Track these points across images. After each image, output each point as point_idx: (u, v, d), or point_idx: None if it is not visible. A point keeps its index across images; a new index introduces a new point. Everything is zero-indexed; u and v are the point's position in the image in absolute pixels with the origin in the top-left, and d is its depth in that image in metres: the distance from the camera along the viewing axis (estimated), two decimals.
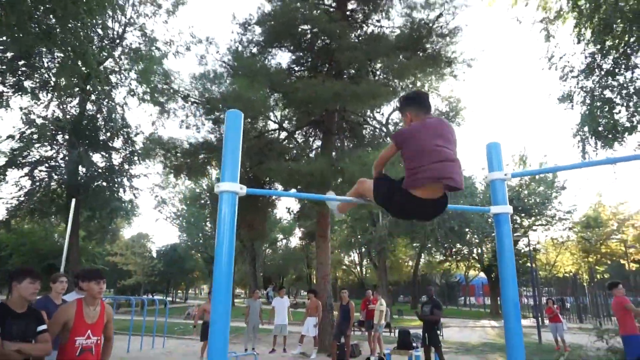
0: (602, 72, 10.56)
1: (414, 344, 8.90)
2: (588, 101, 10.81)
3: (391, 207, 2.56)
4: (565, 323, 13.44)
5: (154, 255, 43.62)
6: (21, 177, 17.84)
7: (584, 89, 10.94)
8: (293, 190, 11.09)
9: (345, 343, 9.79)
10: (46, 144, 17.65)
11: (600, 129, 11.07)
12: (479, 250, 29.95)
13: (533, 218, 29.46)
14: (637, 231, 33.40)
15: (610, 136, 11.14)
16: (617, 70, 10.31)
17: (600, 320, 20.58)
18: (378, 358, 8.61)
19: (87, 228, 23.71)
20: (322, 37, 12.16)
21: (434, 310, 8.02)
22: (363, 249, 36.21)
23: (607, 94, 10.63)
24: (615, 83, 10.49)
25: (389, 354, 8.69)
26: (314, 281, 12.45)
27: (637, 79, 10.24)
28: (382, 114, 16.50)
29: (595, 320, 20.64)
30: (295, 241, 44.66)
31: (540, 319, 16.00)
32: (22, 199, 18.23)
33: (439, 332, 8.85)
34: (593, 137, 11.49)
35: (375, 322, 10.15)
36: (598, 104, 10.52)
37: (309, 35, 12.37)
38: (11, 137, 17.10)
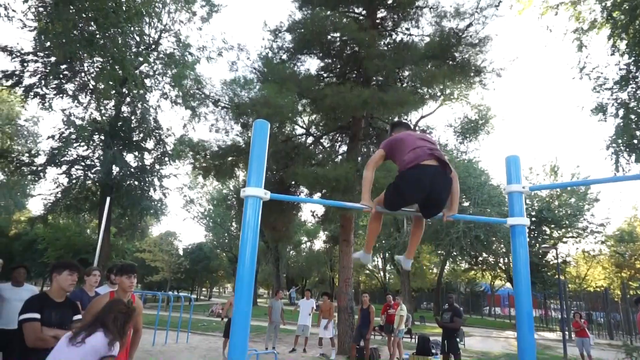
0: (638, 84, 10.33)
1: (433, 351, 8.91)
2: (622, 113, 10.58)
3: (395, 198, 2.77)
4: (592, 338, 13.10)
5: (181, 253, 44.60)
6: (59, 174, 18.71)
7: (618, 101, 10.71)
8: (317, 196, 11.25)
9: (365, 346, 9.88)
10: (83, 144, 18.42)
11: (635, 141, 10.82)
12: (506, 260, 29.38)
13: (563, 230, 28.71)
14: None
15: None
16: None
17: (631, 338, 19.86)
18: None
19: (118, 225, 24.53)
20: (351, 45, 12.31)
21: (454, 318, 8.02)
22: (387, 255, 36.03)
23: None
24: None
25: (408, 359, 8.73)
26: (337, 284, 12.56)
27: None
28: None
29: (626, 338, 19.93)
30: (319, 244, 44.85)
31: (567, 332, 15.63)
32: (59, 195, 19.08)
33: (459, 340, 8.82)
34: (627, 150, 11.22)
35: (395, 327, 10.19)
36: (633, 116, 10.28)
37: (338, 43, 12.54)
38: (51, 137, 17.97)
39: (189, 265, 41.60)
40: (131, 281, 3.68)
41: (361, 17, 12.71)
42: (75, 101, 17.40)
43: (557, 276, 18.14)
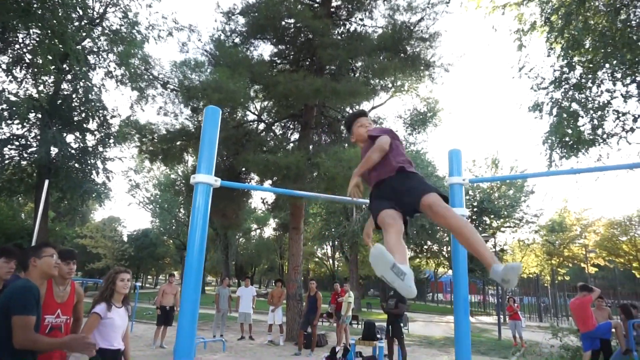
0: (569, 86, 11.04)
1: (378, 336, 9.22)
2: (556, 112, 11.27)
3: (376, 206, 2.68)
4: (524, 321, 14.05)
5: (125, 239, 43.06)
6: None
7: (553, 100, 11.40)
8: (267, 184, 11.22)
9: (312, 332, 10.06)
10: (17, 121, 17.22)
11: (566, 139, 11.58)
12: (449, 248, 30.74)
13: (502, 220, 30.39)
14: (598, 237, 34.85)
15: (575, 146, 11.68)
16: (582, 84, 10.80)
17: (557, 320, 21.48)
18: (344, 348, 8.89)
19: (56, 209, 23.26)
20: (306, 32, 12.27)
21: (398, 304, 8.34)
22: (336, 243, 36.60)
23: (574, 106, 11.12)
24: (580, 97, 11.00)
25: (354, 344, 8.99)
26: (286, 272, 12.66)
27: (601, 93, 10.75)
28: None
29: (554, 320, 21.53)
30: (269, 232, 44.78)
31: (502, 316, 16.67)
32: None
33: (403, 325, 9.19)
34: (560, 146, 12.01)
35: (342, 314, 10.44)
36: (565, 115, 10.99)
37: (292, 29, 12.47)
38: None
39: (134, 252, 40.26)
40: (70, 267, 3.54)
41: (316, 5, 12.69)
42: (10, 76, 16.19)
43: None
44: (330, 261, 44.54)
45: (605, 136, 11.43)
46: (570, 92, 11.32)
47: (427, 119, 27.10)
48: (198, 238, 2.43)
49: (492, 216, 29.91)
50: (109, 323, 3.55)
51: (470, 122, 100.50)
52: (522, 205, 30.44)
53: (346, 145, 12.67)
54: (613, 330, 7.70)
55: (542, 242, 36.14)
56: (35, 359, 2.63)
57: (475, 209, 29.83)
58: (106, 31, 18.09)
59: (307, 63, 12.85)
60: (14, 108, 15.70)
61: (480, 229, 29.66)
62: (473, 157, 35.23)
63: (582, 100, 11.01)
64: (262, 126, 13.89)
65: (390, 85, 13.87)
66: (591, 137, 11.56)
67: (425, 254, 32.34)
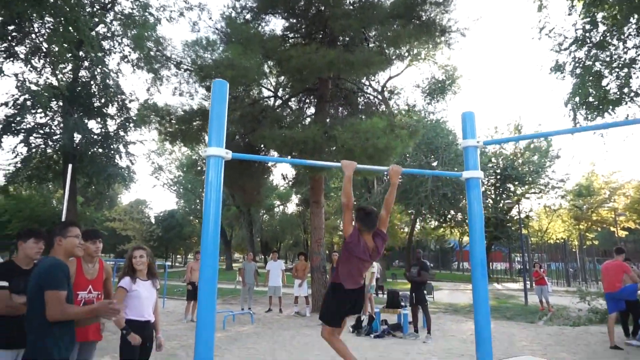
0: (592, 44, 10.60)
1: (402, 304, 9.32)
2: (579, 72, 10.87)
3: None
4: (550, 286, 13.94)
5: (152, 221, 44.16)
6: (17, 144, 17.96)
7: (575, 60, 10.98)
8: (278, 156, 11.24)
9: None
10: (40, 110, 17.64)
11: (590, 99, 11.19)
12: None
13: (526, 186, 29.86)
14: (627, 199, 33.93)
15: (600, 107, 11.28)
16: (606, 42, 10.35)
17: (586, 285, 21.24)
18: (369, 316, 9.02)
19: (84, 194, 23.95)
20: (316, 4, 12.04)
21: (421, 272, 8.37)
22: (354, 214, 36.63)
23: (598, 65, 10.70)
24: (604, 55, 10.56)
25: (379, 312, 9.12)
26: (310, 246, 12.84)
27: (627, 50, 10.29)
28: (378, 82, 16.49)
29: (582, 284, 21.31)
30: (292, 207, 45.20)
31: (529, 282, 16.58)
32: (19, 165, 18.40)
33: (427, 293, 9.24)
34: (584, 107, 11.62)
35: (367, 283, 10.55)
36: (588, 75, 10.59)
37: (302, 2, 12.23)
38: (4, 104, 17.11)
39: (162, 233, 41.32)
40: (96, 246, 3.69)
41: None
42: (29, 65, 16.50)
43: (521, 230, 19.00)
44: None
45: (632, 94, 10.99)
46: (594, 51, 10.88)
47: (446, 87, 26.55)
48: (213, 211, 2.46)
49: (516, 183, 29.41)
50: (135, 295, 3.71)
51: (490, 88, 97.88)
52: (547, 170, 29.81)
53: (363, 117, 12.56)
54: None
55: (569, 207, 35.44)
56: (73, 333, 2.76)
57: (498, 177, 29.36)
58: (119, 15, 18.14)
59: (320, 35, 12.63)
60: (36, 97, 16.06)
61: (504, 196, 29.27)
62: (495, 124, 34.41)
63: (606, 59, 10.56)
64: (277, 102, 13.84)
65: (405, 53, 13.55)
66: (617, 96, 11.14)
67: (449, 223, 32.17)
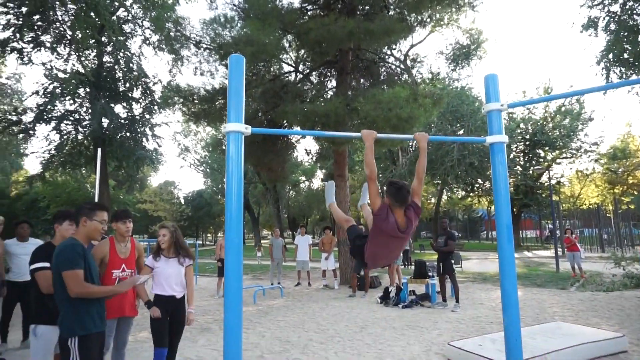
0: None
1: (430, 273, 9.33)
2: (613, 27, 10.32)
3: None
4: (582, 252, 13.67)
5: (182, 201, 45.21)
6: (49, 131, 18.55)
7: (610, 15, 10.41)
8: (298, 129, 11.21)
9: (365, 274, 10.34)
10: (69, 97, 18.08)
11: (625, 56, 10.66)
12: None
13: (557, 151, 28.97)
14: None
15: (636, 63, 10.74)
16: None
17: (622, 250, 20.70)
18: (396, 287, 9.09)
19: (116, 178, 24.63)
20: None
21: (448, 241, 8.33)
22: (384, 188, 36.57)
23: (635, 19, 10.13)
24: None
25: (406, 282, 9.18)
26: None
27: None
28: (400, 51, 16.10)
29: (617, 250, 20.77)
30: (317, 182, 45.39)
31: (560, 249, 16.30)
32: (52, 152, 19.03)
33: (454, 262, 9.20)
34: (618, 65, 11.08)
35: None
36: (623, 30, 10.05)
37: None
38: (36, 92, 17.60)
39: (191, 213, 42.30)
40: (127, 226, 3.82)
41: None
42: (55, 53, 16.84)
43: (551, 197, 18.54)
44: None
45: None
46: (630, 4, 10.28)
47: (471, 52, 25.75)
48: (235, 186, 2.48)
49: (546, 148, 28.55)
50: (160, 272, 3.87)
51: (518, 51, 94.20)
52: (579, 134, 28.78)
53: (384, 87, 12.35)
54: None
55: (603, 171, 34.29)
56: (101, 308, 2.90)
57: (527, 142, 28.56)
58: None
59: (339, 5, 12.34)
60: (64, 85, 16.43)
61: (534, 162, 28.51)
62: (524, 88, 33.26)
63: None
64: (298, 77, 13.74)
65: (427, 19, 13.11)
66: None
67: (476, 192, 31.70)
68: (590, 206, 32.42)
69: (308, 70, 13.91)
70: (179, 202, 44.28)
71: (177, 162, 78.60)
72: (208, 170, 42.03)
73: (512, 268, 2.85)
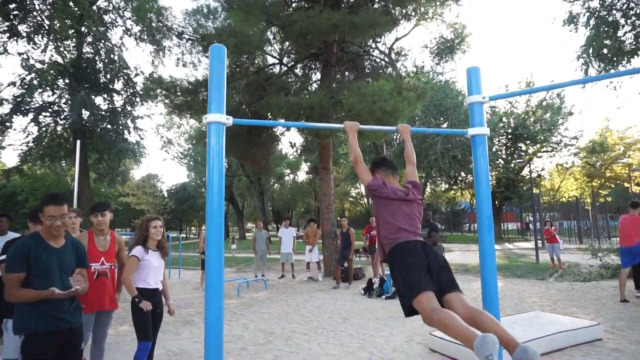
0: None
1: None
2: (593, 23, 10.49)
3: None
4: (561, 243, 13.96)
5: (165, 194, 44.74)
6: (27, 123, 18.12)
7: (590, 10, 10.57)
8: (283, 121, 11.18)
9: (349, 267, 10.40)
10: (47, 88, 17.67)
11: (604, 51, 10.84)
12: None
13: (538, 145, 29.44)
14: None
15: (615, 58, 10.93)
16: None
17: (599, 242, 21.20)
18: (380, 279, 9.17)
19: (97, 170, 24.20)
20: None
21: (432, 233, 8.42)
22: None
23: (614, 15, 10.30)
24: (621, 3, 10.14)
25: (390, 275, 9.24)
26: (320, 212, 12.92)
27: None
28: (384, 44, 16.13)
29: (594, 241, 21.27)
30: (302, 176, 45.37)
31: (540, 241, 16.61)
32: (31, 145, 18.61)
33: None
34: (597, 59, 11.27)
35: (377, 247, 10.67)
36: (603, 26, 10.22)
37: None
38: (12, 83, 17.16)
39: (175, 206, 41.90)
40: (98, 220, 3.76)
41: None
42: (32, 43, 16.42)
43: (532, 190, 18.86)
44: (365, 199, 44.95)
45: None
46: (610, 0, 10.45)
47: (455, 46, 25.89)
48: (216, 178, 2.47)
49: (527, 142, 28.99)
50: (146, 265, 3.79)
51: (501, 46, 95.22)
52: (559, 128, 29.27)
53: (369, 80, 12.36)
54: None
55: (582, 165, 34.99)
56: (60, 302, 2.71)
57: (509, 136, 28.94)
58: None
59: None
60: (42, 75, 16.04)
61: (515, 156, 28.93)
62: (506, 83, 33.65)
63: (624, 8, 10.14)
64: (283, 69, 13.66)
65: (412, 12, 13.16)
66: (633, 46, 10.78)
67: (459, 185, 32.06)
68: (570, 199, 33.08)
69: (292, 63, 13.84)
70: (162, 195, 43.82)
71: (160, 155, 77.55)
72: (191, 163, 41.61)
73: (492, 259, 2.89)
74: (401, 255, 2.50)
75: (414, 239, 2.57)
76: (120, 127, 19.66)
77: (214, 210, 2.43)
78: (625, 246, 7.49)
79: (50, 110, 18.43)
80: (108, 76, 19.27)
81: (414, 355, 4.84)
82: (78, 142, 6.55)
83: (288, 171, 44.65)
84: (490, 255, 2.89)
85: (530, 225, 35.64)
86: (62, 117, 18.71)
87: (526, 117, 29.32)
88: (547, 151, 30.45)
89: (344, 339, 5.58)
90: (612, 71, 11.19)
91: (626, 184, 34.03)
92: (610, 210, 27.32)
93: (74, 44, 18.28)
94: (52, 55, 17.55)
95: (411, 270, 2.39)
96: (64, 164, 22.92)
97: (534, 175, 25.76)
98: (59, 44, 17.23)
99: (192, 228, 59.10)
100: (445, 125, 24.58)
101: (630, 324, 5.89)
